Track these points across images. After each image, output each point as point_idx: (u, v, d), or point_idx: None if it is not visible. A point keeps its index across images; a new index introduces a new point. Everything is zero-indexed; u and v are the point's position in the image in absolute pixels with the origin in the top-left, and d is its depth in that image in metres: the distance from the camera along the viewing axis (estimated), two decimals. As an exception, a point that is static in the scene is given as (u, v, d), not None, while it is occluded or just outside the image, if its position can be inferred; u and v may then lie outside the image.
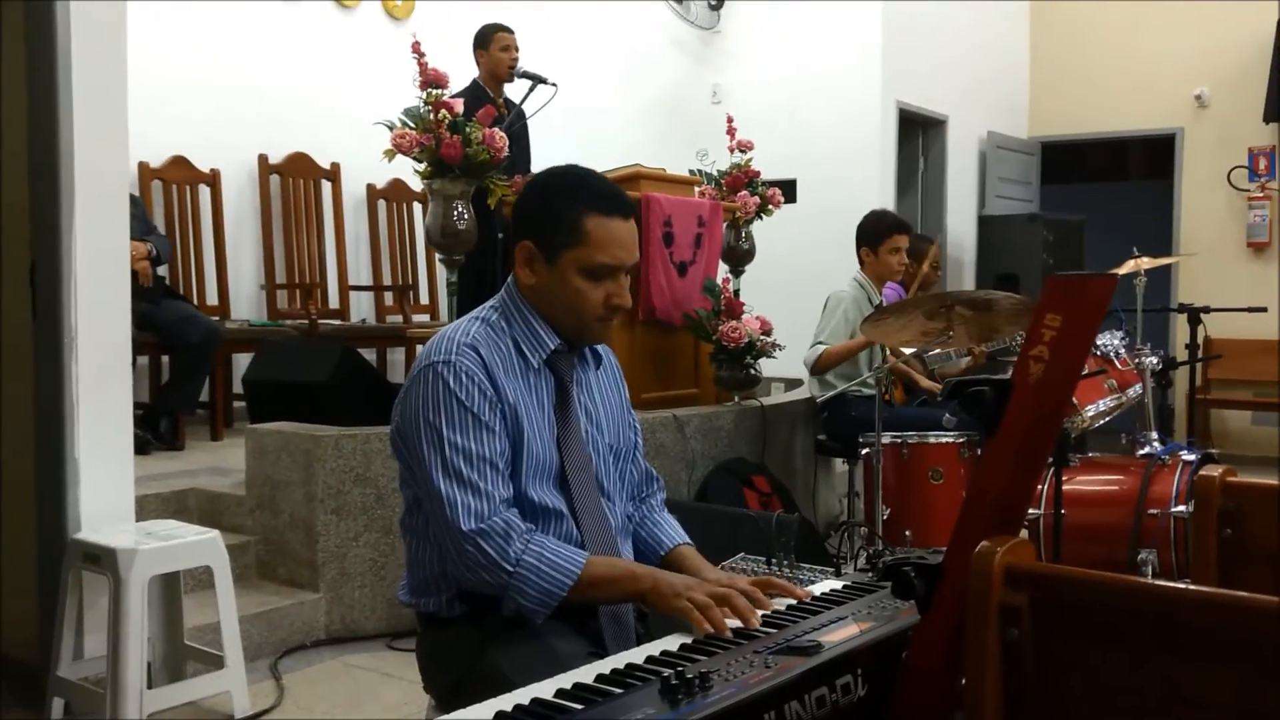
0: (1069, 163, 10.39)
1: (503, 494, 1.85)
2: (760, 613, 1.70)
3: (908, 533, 4.22)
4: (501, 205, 4.52)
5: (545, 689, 1.35)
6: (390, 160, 4.31)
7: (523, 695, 1.33)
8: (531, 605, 1.80)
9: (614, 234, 1.91)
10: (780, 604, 1.75)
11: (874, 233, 5.01)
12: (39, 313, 3.31)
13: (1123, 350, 4.35)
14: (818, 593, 1.79)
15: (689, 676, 1.28)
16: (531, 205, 1.99)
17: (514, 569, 1.80)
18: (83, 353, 3.29)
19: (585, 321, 1.95)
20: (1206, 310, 5.78)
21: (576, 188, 1.95)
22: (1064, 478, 3.75)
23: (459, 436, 1.84)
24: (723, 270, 5.41)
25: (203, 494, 4.33)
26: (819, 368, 4.87)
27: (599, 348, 2.13)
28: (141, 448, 4.58)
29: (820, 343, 4.83)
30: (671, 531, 2.13)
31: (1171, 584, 1.21)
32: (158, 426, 5.18)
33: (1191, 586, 1.20)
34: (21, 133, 3.34)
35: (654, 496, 2.21)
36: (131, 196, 4.00)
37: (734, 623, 1.64)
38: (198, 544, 3.27)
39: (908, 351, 4.67)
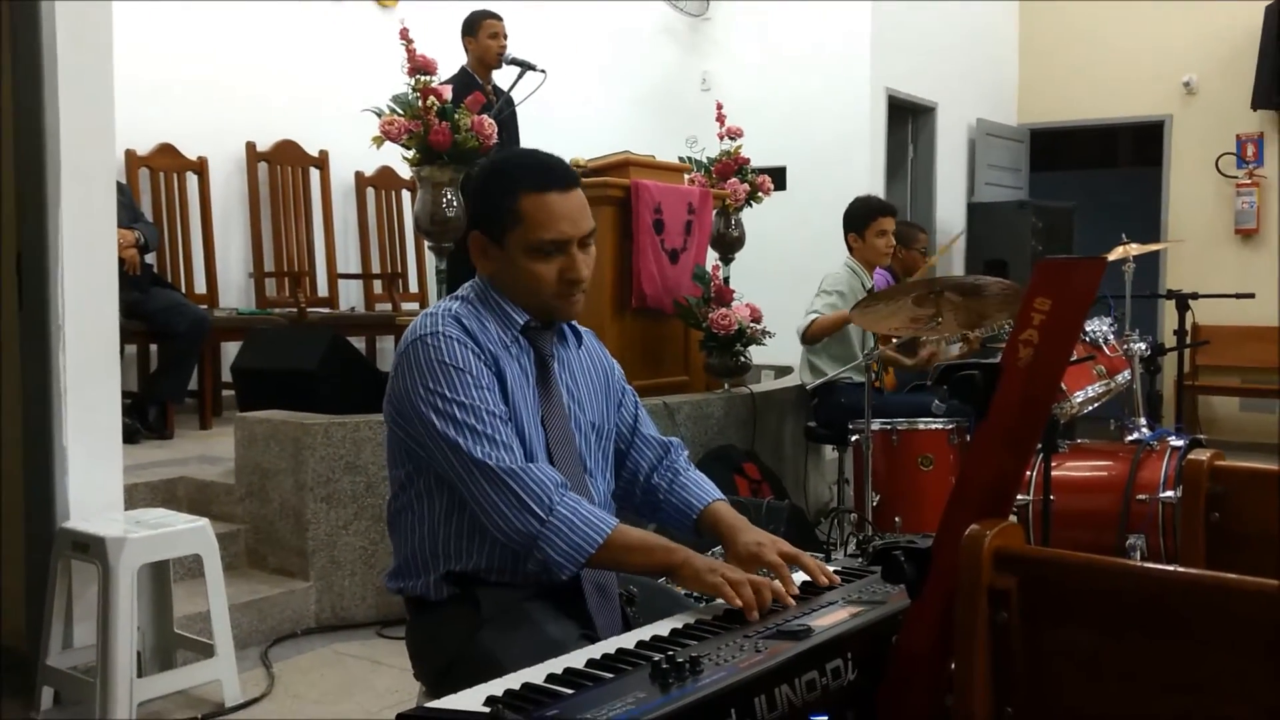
0: (1058, 150, 10.39)
1: (519, 447, 1.86)
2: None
3: (897, 519, 4.23)
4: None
5: (536, 674, 1.35)
6: (379, 147, 4.29)
7: (513, 680, 1.33)
8: (559, 558, 1.80)
9: (551, 208, 1.90)
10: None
11: (860, 217, 5.02)
12: (26, 302, 3.30)
13: (1111, 336, 4.36)
14: (808, 579, 1.80)
15: (679, 661, 1.29)
16: (474, 196, 2.00)
17: (548, 517, 1.80)
18: (70, 341, 3.28)
19: (545, 300, 1.94)
20: (1195, 296, 5.80)
21: (509, 170, 1.96)
22: (1053, 463, 3.76)
23: (463, 397, 1.84)
24: (712, 257, 5.41)
25: (192, 482, 4.32)
26: (809, 337, 4.85)
27: (579, 329, 2.13)
28: (130, 436, 4.56)
29: (813, 312, 4.82)
30: (699, 491, 2.10)
31: (1161, 566, 1.22)
32: (146, 415, 5.17)
33: (1180, 569, 1.20)
34: (7, 120, 3.32)
35: (677, 458, 2.18)
36: (119, 184, 3.99)
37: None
38: (187, 532, 3.27)
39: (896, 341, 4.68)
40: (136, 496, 3.94)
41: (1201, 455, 1.74)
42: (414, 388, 1.87)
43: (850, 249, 5.05)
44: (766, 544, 1.87)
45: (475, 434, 1.83)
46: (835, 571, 1.83)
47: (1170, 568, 1.20)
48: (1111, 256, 4.67)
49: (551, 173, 1.94)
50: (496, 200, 1.92)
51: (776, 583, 1.70)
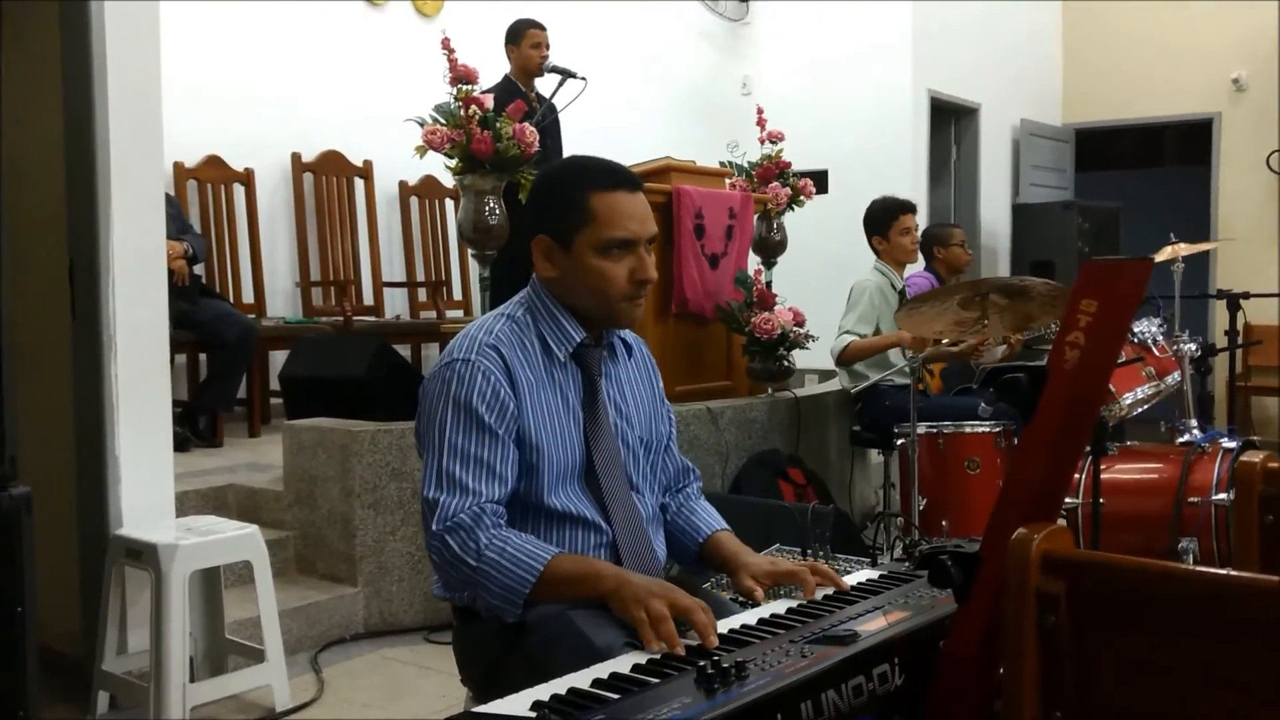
0: (1104, 150, 10.29)
1: (489, 494, 1.83)
2: (797, 603, 1.70)
3: (944, 523, 4.20)
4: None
5: (582, 679, 1.36)
6: (422, 157, 4.33)
7: (559, 685, 1.33)
8: (496, 602, 1.78)
9: (621, 207, 1.90)
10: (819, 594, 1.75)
11: (880, 219, 5.02)
12: (78, 312, 3.35)
13: (1161, 337, 4.31)
14: (854, 583, 1.79)
15: (725, 666, 1.29)
16: (538, 199, 2.00)
17: (477, 564, 1.78)
18: (122, 351, 3.33)
19: (613, 303, 1.93)
20: (1246, 296, 5.72)
21: (576, 172, 1.96)
22: (1102, 466, 3.72)
23: (460, 438, 1.84)
24: (754, 262, 5.40)
25: (241, 490, 4.37)
26: (845, 359, 4.86)
27: (630, 339, 2.12)
28: (181, 445, 4.62)
29: (848, 332, 4.82)
30: (708, 518, 2.11)
31: (1212, 570, 1.20)
32: (196, 424, 5.24)
33: (1233, 572, 1.19)
34: (58, 134, 3.38)
35: (690, 487, 2.20)
36: (167, 196, 4.04)
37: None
38: (237, 539, 3.30)
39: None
40: (187, 504, 3.99)
41: (1255, 457, 1.71)
42: (429, 412, 1.89)
43: (877, 252, 5.05)
44: (776, 560, 1.89)
45: (449, 483, 1.82)
46: (881, 576, 1.82)
47: (1223, 571, 1.19)
48: (1160, 257, 4.61)
49: (619, 174, 1.95)
50: (564, 201, 1.92)
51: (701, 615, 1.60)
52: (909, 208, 5.07)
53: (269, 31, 6.23)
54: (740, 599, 1.87)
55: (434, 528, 1.81)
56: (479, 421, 1.85)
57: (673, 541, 2.10)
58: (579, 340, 1.96)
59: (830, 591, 1.76)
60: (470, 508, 1.81)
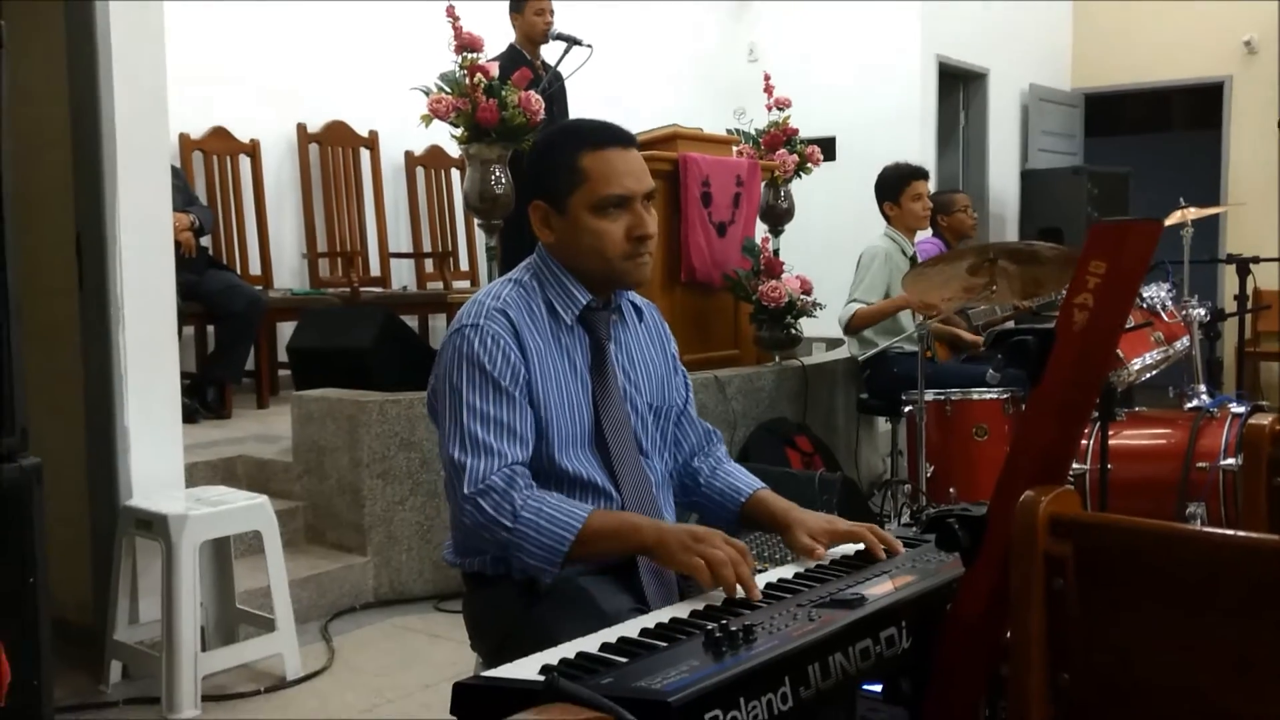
0: (1113, 114, 10.22)
1: (513, 455, 1.84)
2: (804, 567, 1.70)
3: (952, 490, 4.20)
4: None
5: (590, 643, 1.36)
6: (427, 126, 4.31)
7: (568, 649, 1.34)
8: (535, 563, 1.78)
9: (613, 164, 1.89)
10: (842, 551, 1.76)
11: (892, 185, 5.00)
12: (85, 285, 3.36)
13: (1170, 302, 4.29)
14: (861, 547, 1.79)
15: (733, 629, 1.29)
16: (532, 165, 2.00)
17: (514, 525, 1.78)
18: (130, 323, 3.34)
19: (612, 262, 1.91)
20: (1256, 260, 5.70)
21: (567, 134, 1.96)
22: (1110, 432, 3.71)
23: (479, 400, 1.84)
24: (762, 230, 5.38)
25: (250, 461, 4.39)
26: (853, 326, 4.85)
27: (641, 303, 2.11)
28: (189, 416, 4.64)
29: (855, 300, 4.81)
30: (747, 478, 2.09)
31: (1220, 530, 1.20)
32: (205, 395, 5.25)
33: (1241, 533, 1.18)
34: (63, 106, 3.37)
35: (718, 449, 2.18)
36: (173, 168, 4.04)
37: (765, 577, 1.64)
38: (247, 509, 3.32)
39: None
40: (196, 475, 4.00)
41: (1263, 420, 1.71)
42: (443, 379, 1.89)
43: (887, 218, 5.02)
44: (834, 518, 1.86)
45: (474, 445, 1.82)
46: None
47: (1231, 532, 1.18)
48: (1169, 221, 4.59)
49: (609, 131, 1.94)
50: (556, 163, 1.91)
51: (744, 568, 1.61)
52: (921, 174, 5.05)
53: (274, 2, 6.20)
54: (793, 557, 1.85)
55: (465, 490, 1.80)
56: (494, 383, 1.85)
57: (710, 504, 2.09)
58: (584, 303, 1.95)
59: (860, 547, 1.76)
60: (501, 470, 1.81)
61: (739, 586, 1.56)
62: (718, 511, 2.08)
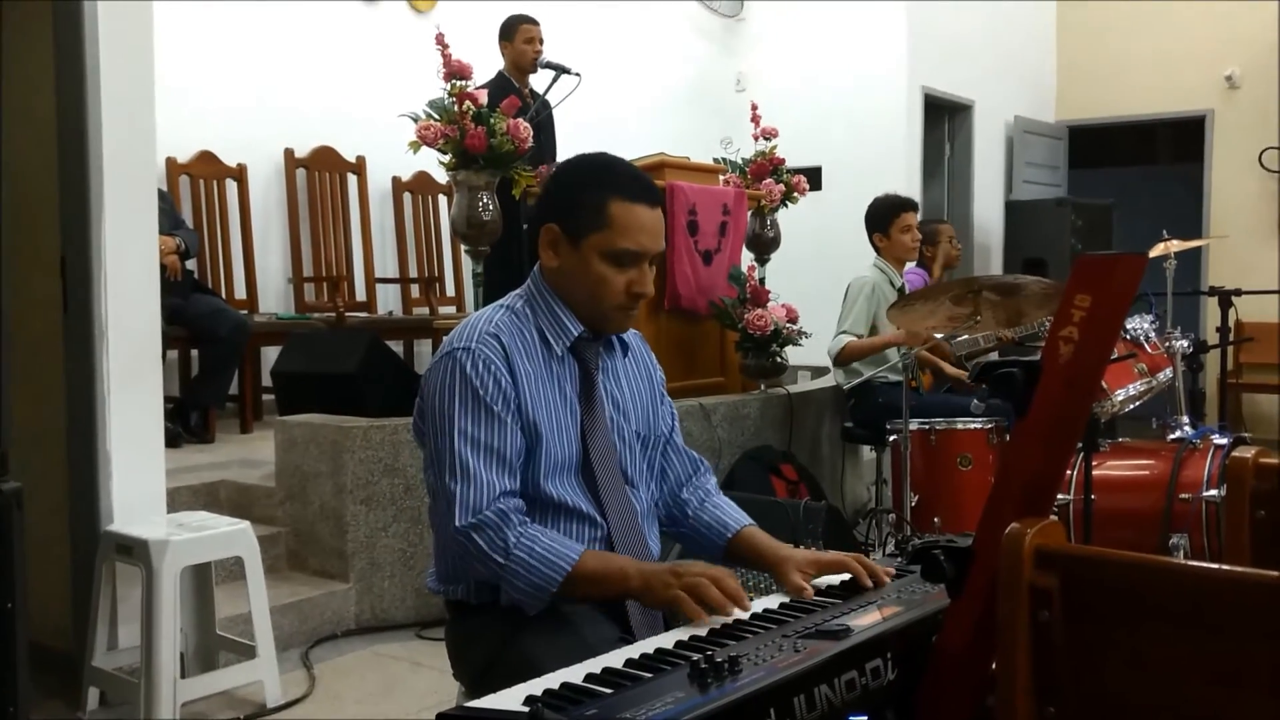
0: (1097, 146, 10.30)
1: (505, 486, 1.84)
2: (789, 598, 1.70)
3: (936, 519, 4.20)
4: (526, 196, 4.53)
5: (574, 674, 1.35)
6: (415, 152, 4.32)
7: (552, 680, 1.33)
8: (523, 598, 1.80)
9: (639, 220, 1.90)
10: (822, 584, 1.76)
11: (882, 216, 5.01)
12: (69, 307, 3.34)
13: (1153, 334, 4.32)
14: (846, 578, 1.79)
15: (718, 660, 1.28)
16: (558, 189, 1.99)
17: (505, 562, 1.78)
18: (113, 346, 3.33)
19: (604, 309, 1.93)
20: (1238, 293, 5.73)
21: (604, 173, 1.95)
22: (1094, 463, 3.72)
23: (470, 425, 1.84)
24: (748, 258, 5.40)
25: (233, 486, 4.36)
26: (842, 359, 4.86)
27: (628, 334, 2.12)
28: (172, 440, 4.62)
29: (844, 333, 4.82)
30: (735, 514, 2.09)
31: (1206, 564, 1.20)
32: (188, 419, 5.22)
33: (1225, 567, 1.18)
34: (50, 129, 3.37)
35: (707, 480, 2.18)
36: (160, 192, 4.04)
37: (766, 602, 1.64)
38: (229, 535, 3.30)
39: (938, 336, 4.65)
40: (179, 500, 3.98)
41: (1246, 452, 1.72)
42: (433, 402, 1.88)
43: (877, 249, 5.04)
44: (817, 553, 1.87)
45: (465, 475, 1.82)
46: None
47: (1215, 566, 1.19)
48: (1152, 253, 4.62)
49: (645, 186, 1.94)
50: (584, 198, 1.91)
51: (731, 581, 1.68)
52: (910, 205, 5.07)
53: (262, 27, 6.21)
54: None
55: (458, 523, 1.80)
56: (486, 408, 1.85)
57: (697, 537, 2.09)
58: (577, 334, 1.96)
59: (846, 577, 1.76)
60: (494, 504, 1.81)
61: (728, 604, 1.59)
62: (704, 545, 2.08)
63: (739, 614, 1.60)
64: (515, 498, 1.85)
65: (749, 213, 5.33)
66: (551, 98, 5.43)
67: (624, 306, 1.94)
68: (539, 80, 5.58)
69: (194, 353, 5.34)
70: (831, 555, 1.84)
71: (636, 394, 2.08)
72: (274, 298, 6.31)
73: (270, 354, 5.51)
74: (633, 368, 2.10)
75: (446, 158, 4.29)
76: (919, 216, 5.17)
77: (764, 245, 5.62)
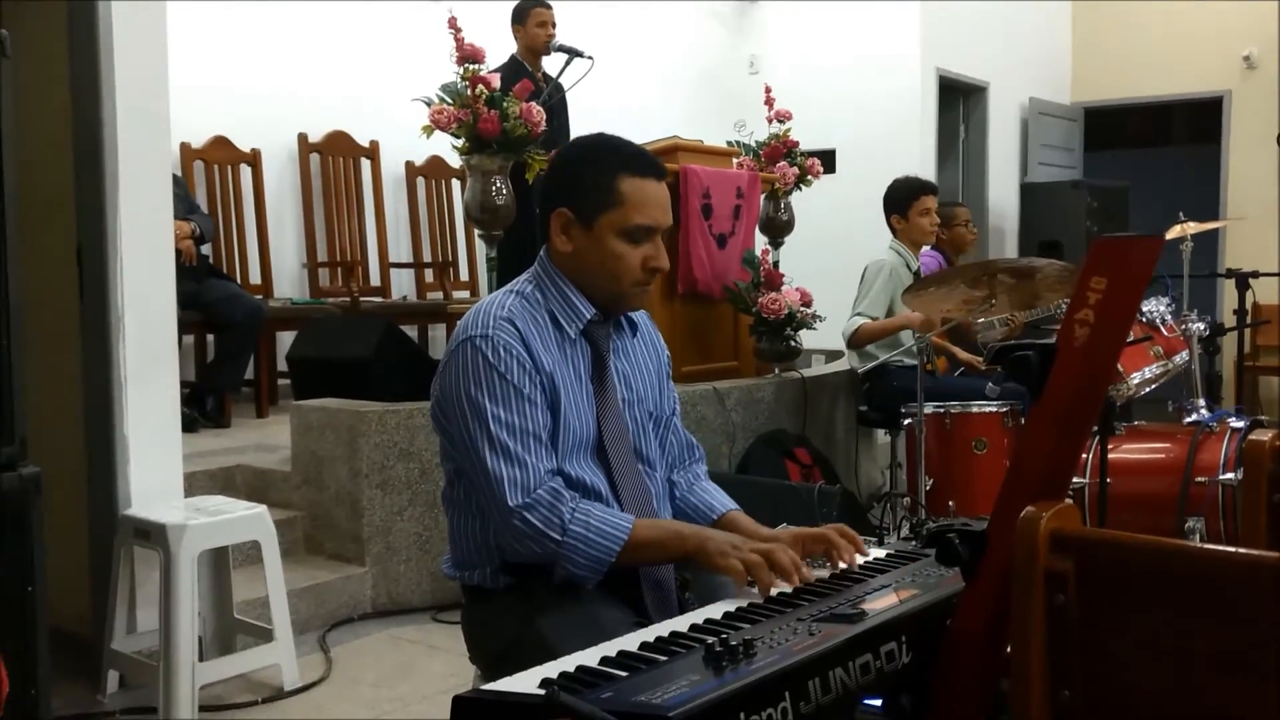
0: (1112, 128, 10.23)
1: (547, 465, 1.86)
2: (825, 569, 1.74)
3: (951, 503, 4.20)
4: (540, 180, 4.52)
5: (590, 656, 1.36)
6: (428, 137, 4.32)
7: (568, 663, 1.33)
8: (582, 572, 1.82)
9: (650, 194, 1.91)
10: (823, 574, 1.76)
11: (901, 198, 4.99)
12: (86, 294, 3.36)
13: (1169, 317, 4.30)
14: (861, 562, 1.79)
15: (733, 644, 1.29)
16: (564, 173, 1.99)
17: (563, 538, 1.81)
18: (130, 332, 3.34)
19: (623, 286, 1.94)
20: (1255, 275, 5.70)
21: (609, 152, 1.96)
22: (1109, 446, 3.71)
23: (502, 410, 1.84)
24: (762, 241, 5.39)
25: (249, 470, 4.38)
26: (856, 341, 4.85)
27: (636, 315, 2.12)
28: (188, 426, 4.63)
29: (859, 314, 4.81)
30: (720, 497, 2.14)
31: (1222, 548, 1.20)
32: (204, 404, 5.24)
33: (1242, 550, 1.18)
34: (65, 115, 3.37)
35: (697, 465, 2.20)
36: (174, 177, 4.04)
37: (783, 586, 1.66)
38: (246, 519, 3.31)
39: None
40: (195, 484, 3.99)
41: (1263, 435, 1.71)
42: (457, 391, 1.88)
43: (894, 231, 5.02)
44: (797, 528, 1.90)
45: (507, 456, 1.83)
46: (889, 555, 1.82)
47: (1233, 549, 1.18)
48: (1169, 235, 4.59)
49: (650, 161, 1.96)
50: (593, 179, 1.92)
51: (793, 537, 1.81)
52: (930, 189, 5.05)
53: (276, 12, 6.21)
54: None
55: (512, 503, 1.82)
56: (515, 390, 1.86)
57: (684, 519, 2.10)
58: (589, 317, 1.96)
59: (842, 566, 1.77)
60: (542, 484, 1.83)
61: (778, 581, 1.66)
62: None
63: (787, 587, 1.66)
64: (559, 476, 1.87)
65: (763, 196, 5.32)
66: (565, 81, 5.42)
67: (642, 282, 1.95)
68: (552, 64, 5.56)
69: (209, 338, 5.36)
70: (812, 530, 1.86)
71: (647, 374, 2.10)
72: (289, 283, 6.33)
73: (285, 339, 5.53)
74: (642, 347, 2.12)
75: (460, 142, 4.28)
76: (937, 200, 5.15)
77: (778, 229, 5.60)
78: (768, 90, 5.54)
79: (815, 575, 1.71)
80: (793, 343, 4.95)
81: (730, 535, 1.83)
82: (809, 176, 5.53)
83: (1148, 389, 4.15)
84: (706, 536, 1.81)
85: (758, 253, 5.00)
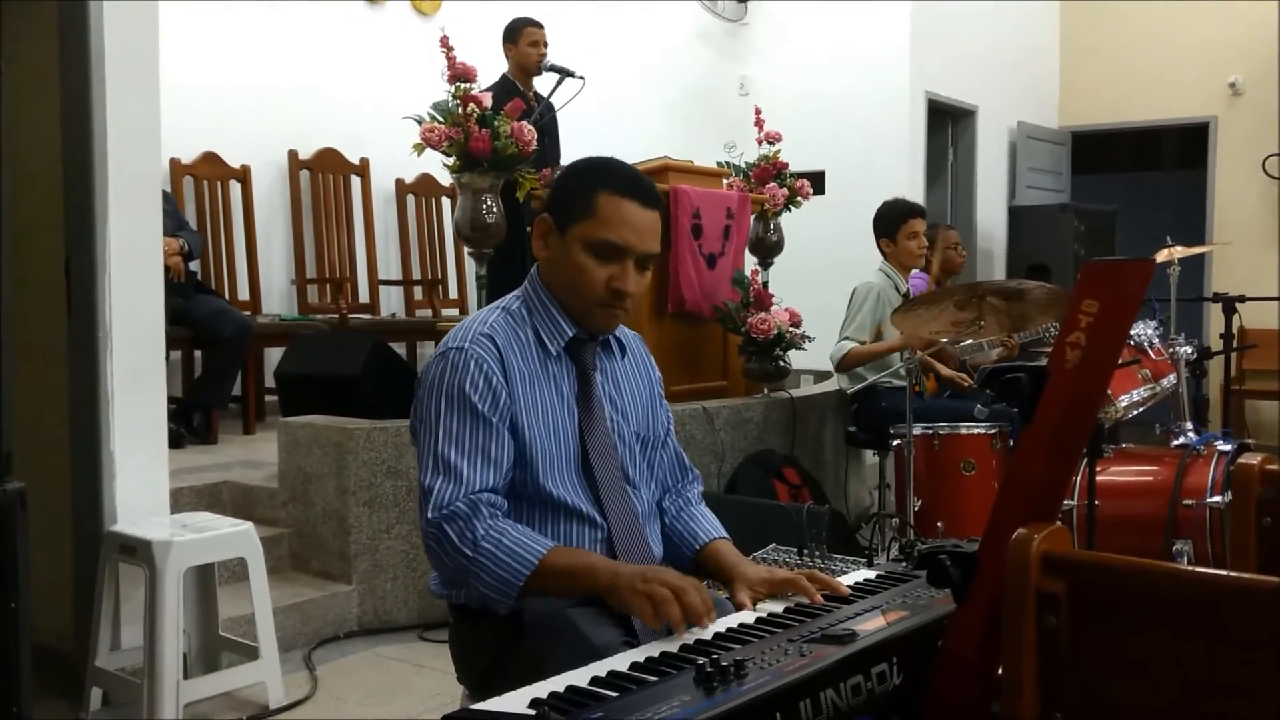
0: (1100, 152, 10.29)
1: (483, 482, 1.83)
2: (795, 602, 1.70)
3: (939, 524, 4.20)
4: (530, 198, 4.53)
5: (580, 677, 1.35)
6: (419, 154, 4.32)
7: (558, 683, 1.33)
8: (491, 594, 1.79)
9: (625, 215, 1.89)
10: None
11: (890, 221, 5.01)
12: (73, 309, 3.35)
13: (1157, 340, 4.31)
14: (851, 583, 1.79)
15: (724, 664, 1.28)
16: (558, 184, 2.01)
17: (473, 554, 1.78)
18: (117, 348, 3.33)
19: (585, 304, 1.93)
20: (1241, 299, 5.73)
21: (600, 169, 1.96)
22: (1097, 468, 3.72)
23: (455, 423, 1.84)
24: (751, 262, 5.40)
25: (236, 487, 4.36)
26: (845, 365, 4.86)
27: (626, 335, 2.12)
28: (175, 441, 4.62)
29: (846, 338, 4.82)
30: (707, 525, 2.09)
31: (1213, 571, 1.20)
32: (191, 420, 5.23)
33: (1232, 573, 1.18)
34: (55, 130, 3.37)
35: (691, 489, 2.18)
36: (164, 193, 4.03)
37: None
38: (232, 536, 3.30)
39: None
40: (182, 501, 3.98)
41: (1252, 459, 1.71)
42: (424, 399, 1.89)
43: (883, 254, 5.03)
44: (773, 569, 1.87)
45: (445, 469, 1.82)
46: (879, 576, 1.82)
47: (1224, 572, 1.19)
48: (1156, 259, 4.60)
49: (638, 185, 1.93)
50: (575, 189, 1.93)
51: (784, 576, 1.76)
52: (919, 211, 5.06)
53: (267, 28, 6.23)
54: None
55: (429, 515, 1.81)
56: (472, 408, 1.85)
57: (668, 545, 2.09)
58: (571, 334, 1.96)
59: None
60: (465, 496, 1.81)
61: (683, 622, 1.58)
62: (673, 554, 2.08)
63: (698, 632, 1.58)
64: (493, 494, 1.84)
65: (752, 217, 5.33)
66: (555, 101, 5.44)
67: (604, 303, 1.92)
68: (543, 83, 5.58)
69: (197, 354, 5.34)
70: (784, 574, 1.81)
71: (636, 395, 2.08)
72: (277, 299, 6.32)
73: (273, 355, 5.51)
74: (631, 369, 2.11)
75: (450, 160, 4.29)
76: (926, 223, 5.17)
77: (767, 249, 5.62)
78: (758, 112, 5.57)
79: (781, 606, 1.67)
80: (782, 363, 4.95)
81: (646, 569, 1.74)
82: (798, 198, 5.55)
83: (1135, 412, 4.17)
84: (618, 572, 1.74)
85: (747, 273, 5.01)
